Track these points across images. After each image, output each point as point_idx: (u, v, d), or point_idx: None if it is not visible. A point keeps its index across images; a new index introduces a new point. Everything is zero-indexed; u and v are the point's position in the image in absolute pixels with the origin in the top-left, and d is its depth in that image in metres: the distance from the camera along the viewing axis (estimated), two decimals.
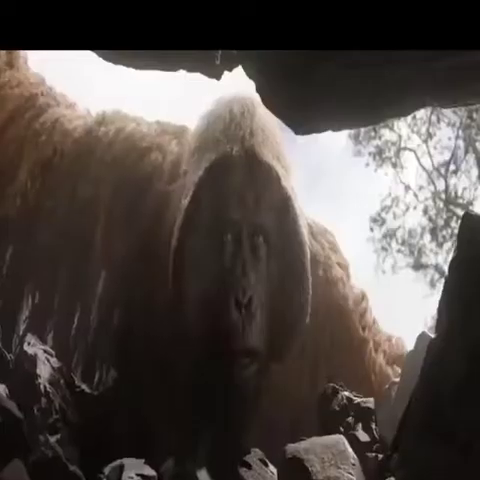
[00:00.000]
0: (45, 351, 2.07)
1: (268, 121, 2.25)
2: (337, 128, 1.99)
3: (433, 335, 1.80)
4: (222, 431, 2.18)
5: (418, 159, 9.17)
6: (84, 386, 2.09)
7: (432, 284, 8.82)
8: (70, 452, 1.81)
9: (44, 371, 1.94)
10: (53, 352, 2.13)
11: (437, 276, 8.83)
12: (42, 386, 1.90)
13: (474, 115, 8.54)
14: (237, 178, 2.26)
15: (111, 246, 2.45)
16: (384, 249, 8.98)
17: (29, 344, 2.01)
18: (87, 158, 2.56)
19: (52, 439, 1.78)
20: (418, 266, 8.91)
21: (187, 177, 2.35)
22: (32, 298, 2.49)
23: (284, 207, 2.29)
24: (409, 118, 8.63)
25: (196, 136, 2.39)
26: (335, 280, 2.52)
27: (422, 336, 1.91)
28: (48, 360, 2.00)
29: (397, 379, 1.98)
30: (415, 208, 9.06)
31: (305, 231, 2.32)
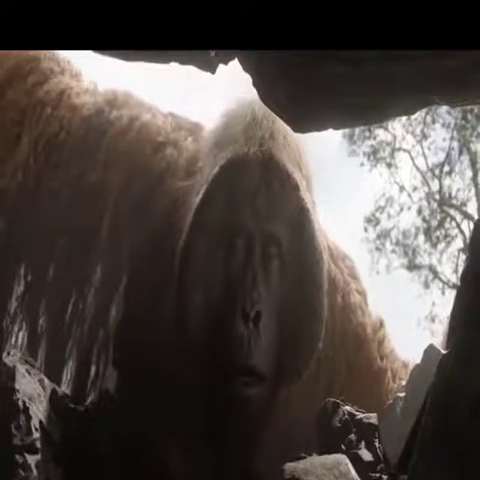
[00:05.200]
0: (26, 361, 1.94)
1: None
2: (339, 126, 1.90)
3: (442, 349, 1.71)
4: (223, 454, 2.07)
5: (413, 160, 9.20)
6: (68, 401, 1.96)
7: (426, 285, 8.88)
8: (51, 474, 1.70)
9: (23, 385, 1.82)
10: (35, 363, 2.01)
11: (431, 277, 8.89)
12: (20, 401, 1.77)
13: (469, 116, 8.55)
14: (252, 181, 2.16)
15: (118, 236, 2.33)
16: (378, 249, 9.03)
17: (8, 354, 1.88)
18: (97, 140, 2.40)
19: (31, 460, 1.67)
20: (412, 267, 8.94)
21: (202, 173, 2.25)
22: (25, 276, 2.36)
23: (301, 219, 2.18)
24: (404, 118, 8.65)
25: (215, 133, 2.29)
26: (353, 307, 2.40)
27: (430, 349, 1.81)
28: (28, 372, 1.87)
29: (401, 394, 1.88)
30: (409, 209, 9.10)
31: (323, 248, 2.21)
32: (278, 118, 2.08)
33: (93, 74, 2.54)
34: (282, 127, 2.14)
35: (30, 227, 2.36)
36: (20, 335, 2.34)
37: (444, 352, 1.59)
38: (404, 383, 2.06)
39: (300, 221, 2.17)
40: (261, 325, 2.05)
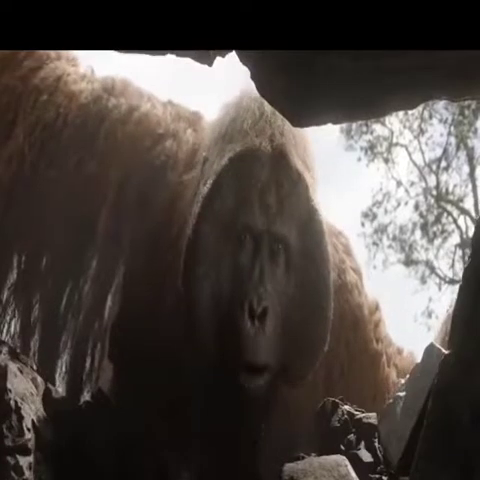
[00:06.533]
0: (19, 359, 1.90)
1: (299, 129, 2.11)
2: (338, 120, 1.87)
3: (442, 348, 1.68)
4: (223, 453, 2.04)
5: (410, 155, 9.19)
6: (61, 400, 1.92)
7: (423, 280, 8.88)
8: (43, 476, 1.66)
9: (16, 384, 1.77)
10: (27, 360, 1.96)
11: (428, 272, 8.88)
12: (12, 401, 1.73)
13: (466, 112, 8.52)
14: (262, 175, 2.12)
15: (116, 228, 2.29)
16: (375, 244, 9.02)
17: (0, 353, 1.84)
18: (95, 128, 2.35)
19: (23, 461, 1.63)
20: (409, 262, 8.94)
21: (207, 165, 2.21)
22: (18, 266, 2.31)
23: (310, 220, 2.14)
24: (401, 113, 8.62)
25: (220, 124, 2.24)
26: (350, 286, 2.37)
27: (430, 348, 1.78)
28: (20, 371, 1.83)
29: (401, 394, 1.84)
30: (406, 204, 9.10)
31: (330, 250, 2.17)
32: None
33: (89, 59, 2.50)
34: (291, 127, 2.11)
35: (25, 216, 2.31)
36: (12, 324, 2.31)
37: (445, 351, 1.56)
38: (403, 381, 2.02)
39: (309, 221, 2.14)
40: (267, 322, 2.02)
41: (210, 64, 1.76)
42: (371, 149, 8.61)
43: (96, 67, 2.49)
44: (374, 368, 2.32)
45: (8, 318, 2.31)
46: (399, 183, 8.81)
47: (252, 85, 1.74)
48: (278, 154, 2.14)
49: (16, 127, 2.33)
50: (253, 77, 1.72)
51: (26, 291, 2.30)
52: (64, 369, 2.28)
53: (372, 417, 1.92)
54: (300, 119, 1.79)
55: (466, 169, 8.77)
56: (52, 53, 2.41)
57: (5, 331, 2.30)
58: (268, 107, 2.11)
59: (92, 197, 2.30)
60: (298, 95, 1.70)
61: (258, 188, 2.12)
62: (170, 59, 1.65)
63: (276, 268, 2.10)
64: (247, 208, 2.11)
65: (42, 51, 2.39)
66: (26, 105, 2.33)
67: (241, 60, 1.72)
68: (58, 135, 2.34)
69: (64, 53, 2.44)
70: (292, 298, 2.10)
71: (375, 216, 8.79)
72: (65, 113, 2.35)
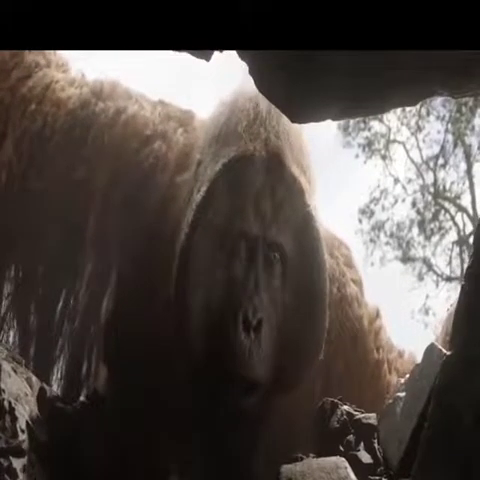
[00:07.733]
0: (13, 359, 1.86)
1: (295, 127, 2.07)
2: (337, 117, 1.84)
3: (443, 348, 1.66)
4: (220, 458, 2.01)
5: (407, 152, 9.15)
6: (56, 400, 1.89)
7: (420, 277, 8.86)
8: (38, 478, 1.63)
9: (9, 384, 1.74)
10: (22, 360, 1.93)
11: (425, 269, 8.87)
12: (6, 402, 1.70)
13: (463, 109, 8.49)
14: (257, 182, 2.09)
15: (106, 233, 2.27)
16: (372, 241, 8.99)
17: None
18: (82, 135, 2.34)
19: (16, 463, 1.60)
20: (406, 259, 8.92)
21: (201, 168, 2.17)
22: (16, 274, 2.31)
23: (305, 226, 2.11)
24: (399, 110, 8.59)
25: (214, 125, 2.20)
26: (349, 299, 2.35)
27: (431, 348, 1.76)
28: (15, 370, 1.80)
29: (401, 394, 1.82)
30: (404, 201, 9.06)
31: (327, 257, 2.15)
32: (282, 117, 2.02)
33: (83, 61, 2.46)
34: (287, 127, 2.07)
35: (18, 226, 2.30)
36: (10, 332, 2.30)
37: (445, 351, 1.54)
38: (402, 381, 2.00)
39: (304, 227, 2.12)
40: (262, 333, 2.00)
41: (208, 59, 1.74)
42: (369, 146, 8.59)
43: (93, 67, 2.46)
44: (375, 378, 2.31)
45: (6, 327, 2.30)
46: (396, 180, 8.79)
47: (248, 82, 1.71)
48: (273, 158, 2.11)
49: (6, 139, 2.32)
50: (252, 73, 1.70)
51: (23, 301, 2.30)
52: (61, 372, 2.28)
53: (372, 417, 1.89)
54: (299, 115, 1.78)
55: (463, 166, 8.75)
56: (42, 60, 2.39)
57: (4, 339, 2.29)
58: (263, 107, 2.08)
59: (81, 203, 2.29)
60: (297, 92, 1.68)
61: (253, 194, 2.09)
62: (168, 54, 1.63)
63: (272, 278, 2.08)
64: (242, 215, 2.08)
65: (31, 59, 2.37)
66: (15, 117, 2.33)
67: (240, 56, 1.70)
68: (46, 144, 2.32)
69: (54, 59, 2.42)
70: (287, 307, 2.08)
71: (372, 213, 8.77)
72: (53, 121, 2.33)
